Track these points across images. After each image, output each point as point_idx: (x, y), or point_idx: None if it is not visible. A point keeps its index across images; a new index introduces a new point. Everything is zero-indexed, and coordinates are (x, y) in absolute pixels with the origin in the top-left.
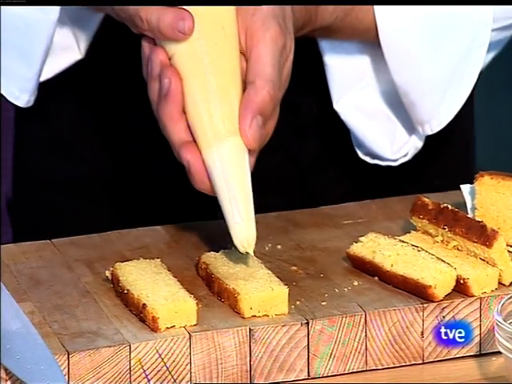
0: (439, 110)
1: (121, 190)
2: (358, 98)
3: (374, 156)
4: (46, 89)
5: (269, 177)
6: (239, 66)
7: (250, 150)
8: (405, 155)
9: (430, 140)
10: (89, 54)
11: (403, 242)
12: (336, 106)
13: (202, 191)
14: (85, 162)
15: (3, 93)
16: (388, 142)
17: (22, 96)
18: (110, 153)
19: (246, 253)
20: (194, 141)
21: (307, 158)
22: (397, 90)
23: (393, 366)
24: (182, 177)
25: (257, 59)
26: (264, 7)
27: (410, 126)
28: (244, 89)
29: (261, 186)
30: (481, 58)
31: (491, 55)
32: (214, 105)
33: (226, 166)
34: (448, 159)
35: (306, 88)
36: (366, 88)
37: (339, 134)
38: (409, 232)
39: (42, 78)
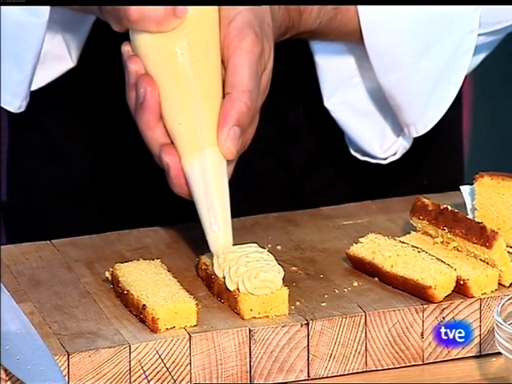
0: (425, 113)
1: (120, 192)
2: (349, 95)
3: (364, 153)
4: (38, 95)
5: (259, 182)
6: (220, 77)
7: (228, 160)
8: (394, 154)
9: (418, 140)
10: (80, 61)
11: (403, 242)
12: (327, 104)
13: (179, 195)
14: (82, 167)
15: None
16: (378, 141)
17: (13, 101)
18: (109, 156)
19: None
20: (172, 143)
21: (297, 162)
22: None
23: (393, 366)
24: None
25: (233, 70)
26: (240, 16)
27: (399, 125)
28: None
29: (251, 191)
30: (466, 63)
31: (481, 57)
32: (195, 115)
33: (206, 176)
34: (437, 159)
35: (292, 95)
36: (356, 86)
37: (330, 136)
38: (409, 233)
39: (35, 87)
